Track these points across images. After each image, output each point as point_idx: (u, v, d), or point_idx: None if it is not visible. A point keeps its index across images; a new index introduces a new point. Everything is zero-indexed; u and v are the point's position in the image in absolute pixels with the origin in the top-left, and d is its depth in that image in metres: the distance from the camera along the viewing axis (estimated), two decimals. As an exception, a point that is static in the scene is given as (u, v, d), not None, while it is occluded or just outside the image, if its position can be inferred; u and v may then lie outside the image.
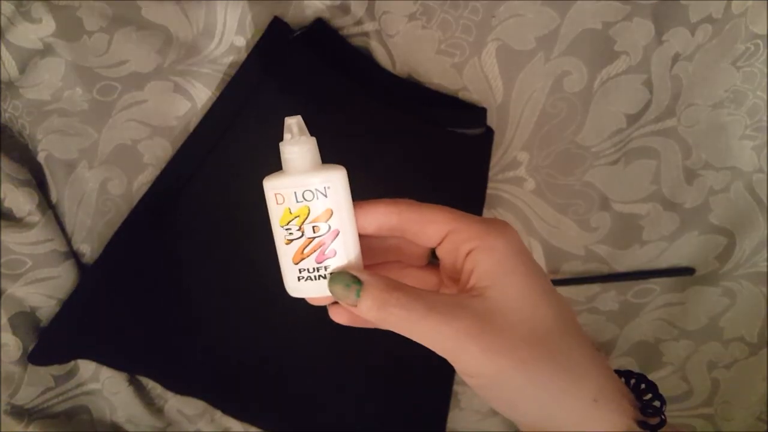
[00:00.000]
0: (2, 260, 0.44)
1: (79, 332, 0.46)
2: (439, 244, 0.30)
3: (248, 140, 0.45)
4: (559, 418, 0.28)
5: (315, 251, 0.29)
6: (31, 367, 0.46)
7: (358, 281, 0.28)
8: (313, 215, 0.28)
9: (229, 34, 0.45)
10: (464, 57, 0.46)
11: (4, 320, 0.44)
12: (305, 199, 0.28)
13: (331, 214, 0.28)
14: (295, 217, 0.28)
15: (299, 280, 0.30)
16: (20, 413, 0.47)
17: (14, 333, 0.45)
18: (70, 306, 0.46)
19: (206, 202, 0.46)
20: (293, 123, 0.29)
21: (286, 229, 0.29)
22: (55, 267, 0.45)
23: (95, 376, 0.49)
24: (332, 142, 0.48)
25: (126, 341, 0.47)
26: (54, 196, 0.46)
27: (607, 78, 0.46)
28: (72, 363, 0.48)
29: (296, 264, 0.29)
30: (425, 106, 0.46)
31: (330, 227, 0.29)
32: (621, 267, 0.50)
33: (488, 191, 0.49)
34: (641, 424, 0.28)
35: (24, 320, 0.45)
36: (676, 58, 0.46)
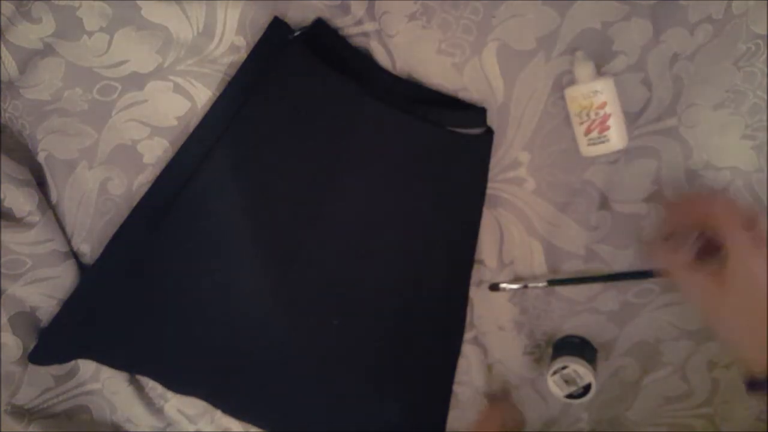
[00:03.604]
0: (2, 260, 0.44)
1: (79, 332, 0.46)
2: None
3: (248, 140, 0.45)
4: None
5: (597, 127, 0.44)
6: (31, 367, 0.46)
7: None
8: (595, 105, 0.44)
9: (229, 34, 0.45)
10: (464, 57, 0.46)
11: (4, 320, 0.44)
12: (589, 97, 0.44)
13: (605, 103, 0.43)
14: (584, 108, 0.44)
15: (589, 145, 0.45)
16: (20, 413, 0.47)
17: (14, 333, 0.45)
18: (70, 306, 0.46)
19: (206, 201, 0.46)
20: (579, 55, 0.44)
21: (577, 115, 0.45)
22: (55, 267, 0.45)
23: (95, 376, 0.49)
24: (332, 141, 0.47)
25: (126, 341, 0.47)
26: (54, 196, 0.46)
27: (607, 78, 0.46)
28: (72, 363, 0.48)
29: (586, 135, 0.44)
30: (425, 105, 0.46)
31: (606, 112, 0.44)
32: (621, 267, 0.50)
33: (488, 191, 0.49)
34: None
35: (24, 320, 0.45)
36: (675, 58, 0.46)
